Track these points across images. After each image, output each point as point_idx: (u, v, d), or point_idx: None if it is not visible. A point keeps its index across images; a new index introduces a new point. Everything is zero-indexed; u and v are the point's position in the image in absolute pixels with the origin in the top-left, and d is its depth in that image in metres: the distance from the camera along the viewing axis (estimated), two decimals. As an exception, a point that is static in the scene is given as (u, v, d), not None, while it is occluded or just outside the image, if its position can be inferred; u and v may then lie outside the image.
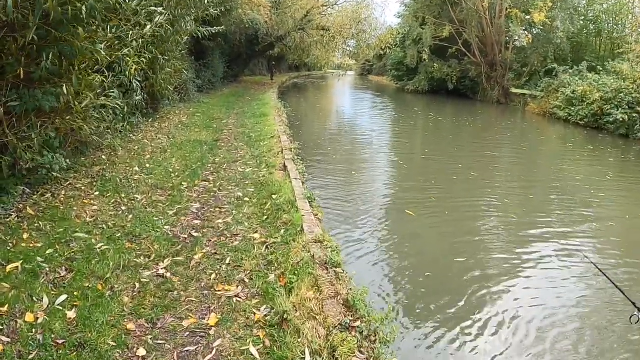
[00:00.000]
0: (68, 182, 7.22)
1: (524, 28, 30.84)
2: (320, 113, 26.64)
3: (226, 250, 5.26)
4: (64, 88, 6.03)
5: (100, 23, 6.13)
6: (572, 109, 23.20)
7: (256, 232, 5.72)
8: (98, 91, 7.54)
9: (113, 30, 7.27)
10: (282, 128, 12.97)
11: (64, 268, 4.69)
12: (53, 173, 6.72)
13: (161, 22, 9.54)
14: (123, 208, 6.50)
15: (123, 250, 5.13)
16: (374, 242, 7.35)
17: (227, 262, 4.98)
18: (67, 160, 7.09)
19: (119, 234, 5.58)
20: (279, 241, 5.35)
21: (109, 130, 9.78)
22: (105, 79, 7.54)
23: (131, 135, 11.12)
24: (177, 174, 8.33)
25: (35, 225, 5.60)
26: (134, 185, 7.52)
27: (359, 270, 5.98)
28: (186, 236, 5.70)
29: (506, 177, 12.28)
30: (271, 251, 5.15)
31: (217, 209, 6.66)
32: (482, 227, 8.43)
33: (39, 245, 5.10)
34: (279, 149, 10.20)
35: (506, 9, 30.77)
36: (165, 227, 5.92)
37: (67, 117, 6.83)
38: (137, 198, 6.94)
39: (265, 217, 6.20)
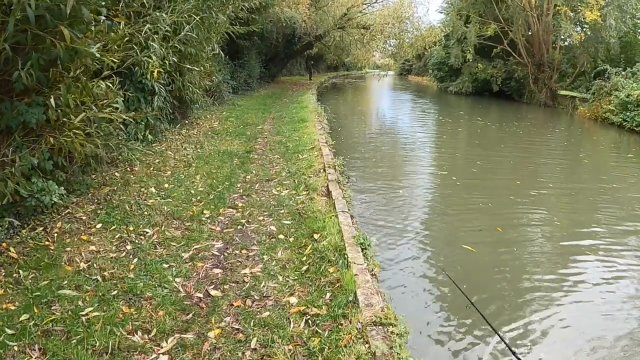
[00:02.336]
0: (67, 210, 5.96)
1: (574, 26, 29.00)
2: (362, 116, 25.09)
3: (252, 324, 3.85)
4: (52, 99, 4.75)
5: (90, 20, 4.77)
6: (628, 114, 21.31)
7: (292, 294, 4.29)
8: (104, 101, 6.28)
9: (120, 28, 6.04)
10: (323, 137, 11.53)
11: (37, 347, 3.44)
12: (44, 204, 5.45)
13: (187, 17, 8.31)
14: (128, 247, 5.20)
15: (115, 321, 3.79)
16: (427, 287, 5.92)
17: (253, 345, 3.58)
18: (62, 188, 5.82)
19: (115, 291, 4.27)
20: (323, 313, 3.91)
21: (126, 143, 8.57)
22: (111, 85, 6.23)
23: (154, 145, 9.88)
24: (199, 197, 7.00)
25: (14, 275, 4.39)
26: (146, 213, 6.21)
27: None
28: (201, 295, 4.33)
29: (582, 204, 10.23)
30: (313, 331, 3.71)
31: (244, 252, 5.27)
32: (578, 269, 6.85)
33: (13, 307, 3.89)
34: (320, 164, 8.79)
35: (555, 6, 28.78)
36: (176, 279, 4.57)
37: (64, 134, 5.56)
38: (147, 233, 5.63)
39: (305, 267, 4.77)
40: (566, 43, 32.26)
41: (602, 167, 14.27)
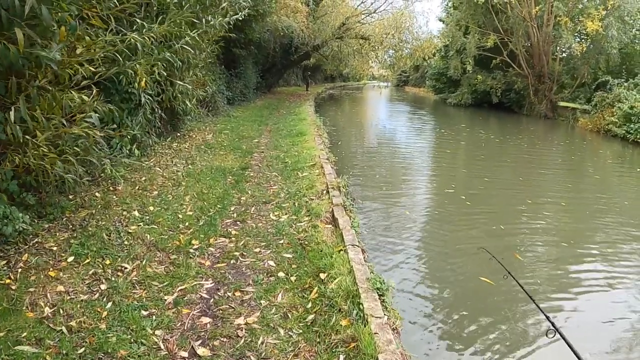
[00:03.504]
0: (36, 240, 5.18)
1: (575, 37, 28.63)
2: (361, 129, 24.27)
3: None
4: (12, 113, 3.98)
5: (49, 23, 4.00)
6: (631, 126, 20.88)
7: (297, 355, 3.50)
8: (81, 115, 5.51)
9: (100, 34, 5.30)
10: (324, 153, 10.77)
11: None
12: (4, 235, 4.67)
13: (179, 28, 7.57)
14: (102, 287, 4.42)
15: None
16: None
17: None
18: (28, 217, 5.04)
19: (83, 349, 3.50)
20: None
21: (110, 159, 7.79)
22: (86, 98, 5.46)
23: (142, 160, 9.10)
24: (187, 223, 6.19)
25: (-37, 326, 3.61)
26: (126, 243, 5.43)
27: None
28: (186, 355, 3.54)
29: (600, 226, 9.48)
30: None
31: (238, 294, 4.48)
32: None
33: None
34: (322, 184, 8.01)
35: (555, 17, 28.34)
36: (157, 332, 3.78)
37: (29, 152, 4.79)
38: (126, 268, 4.84)
39: (311, 317, 3.97)
40: (564, 54, 31.83)
41: (611, 181, 13.60)
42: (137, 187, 7.52)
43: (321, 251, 5.21)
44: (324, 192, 7.58)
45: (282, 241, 5.73)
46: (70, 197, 6.57)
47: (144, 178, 8.03)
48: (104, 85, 8.28)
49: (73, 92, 5.18)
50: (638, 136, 20.18)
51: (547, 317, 2.86)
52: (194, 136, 12.57)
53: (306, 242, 5.59)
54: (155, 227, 5.98)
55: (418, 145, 19.12)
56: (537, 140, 21.81)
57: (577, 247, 7.92)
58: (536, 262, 7.19)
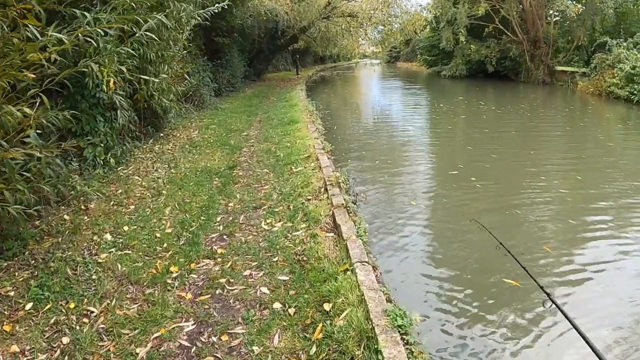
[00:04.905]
0: (-10, 281, 4.35)
1: (568, -1, 27.87)
2: (356, 110, 23.13)
3: None
4: None
5: None
6: (635, 86, 20.14)
7: None
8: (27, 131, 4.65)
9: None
10: (318, 142, 9.87)
11: None
12: None
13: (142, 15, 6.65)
14: (64, 342, 3.62)
15: None
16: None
17: None
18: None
19: None
20: None
21: (77, 175, 6.94)
22: (28, 110, 4.58)
23: (119, 169, 8.24)
24: (166, 244, 5.33)
25: None
26: (94, 277, 4.58)
27: None
28: None
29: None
30: None
31: (225, 339, 3.64)
32: None
33: None
34: (319, 180, 7.14)
35: (548, -22, 27.48)
36: (122, 405, 2.96)
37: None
38: (92, 312, 4.00)
39: (318, 368, 3.15)
40: (558, 17, 30.84)
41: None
42: (111, 203, 6.66)
43: (323, 270, 4.35)
44: (322, 189, 6.71)
45: (276, 258, 4.87)
46: (37, 222, 5.72)
47: (120, 190, 7.16)
48: (67, 92, 7.43)
49: (9, 107, 4.28)
50: (643, 97, 19.45)
51: (542, 288, 2.77)
52: (178, 135, 11.68)
53: (305, 258, 4.73)
54: (129, 252, 5.13)
55: (418, 124, 18.15)
56: (540, 108, 20.86)
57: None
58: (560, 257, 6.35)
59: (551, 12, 30.72)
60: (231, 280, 4.48)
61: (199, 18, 10.20)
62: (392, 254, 6.17)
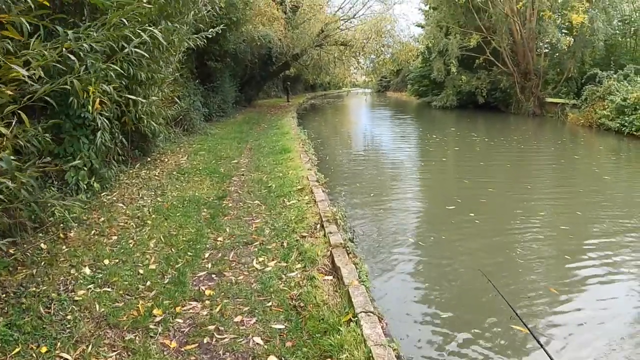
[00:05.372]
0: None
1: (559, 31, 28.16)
2: (348, 140, 22.84)
3: None
4: None
5: None
6: (626, 118, 20.16)
7: None
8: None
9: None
10: (312, 174, 9.50)
11: None
12: None
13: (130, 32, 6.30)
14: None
15: None
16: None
17: None
18: None
19: None
20: None
21: (60, 198, 6.51)
22: (3, 130, 4.21)
23: (103, 195, 7.81)
24: (149, 282, 4.89)
25: None
26: (69, 318, 4.16)
27: None
28: None
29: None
30: None
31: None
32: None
33: None
34: (314, 215, 6.74)
35: (538, 12, 27.79)
36: None
37: None
38: (65, 361, 3.58)
39: None
40: (547, 50, 31.04)
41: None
42: (92, 232, 6.22)
43: (323, 319, 3.94)
44: (318, 225, 6.32)
45: (269, 303, 4.44)
46: (12, 250, 5.28)
47: (102, 219, 6.73)
48: (51, 111, 7.06)
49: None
50: (633, 129, 19.45)
51: (531, 331, 2.86)
52: (167, 160, 11.28)
53: (302, 305, 4.31)
54: (109, 290, 4.69)
55: (411, 155, 17.89)
56: (533, 140, 20.80)
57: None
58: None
59: (541, 44, 30.92)
60: (220, 328, 4.05)
61: (191, 44, 9.90)
62: (394, 297, 5.77)
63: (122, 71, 6.87)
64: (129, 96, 7.48)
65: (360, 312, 3.83)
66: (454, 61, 32.30)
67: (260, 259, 5.48)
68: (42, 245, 5.59)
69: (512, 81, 31.43)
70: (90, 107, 6.80)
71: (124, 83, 7.84)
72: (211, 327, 4.05)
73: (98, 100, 6.78)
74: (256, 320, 4.16)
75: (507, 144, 19.21)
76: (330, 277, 4.78)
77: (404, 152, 18.30)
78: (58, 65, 4.94)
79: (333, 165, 14.31)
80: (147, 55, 7.42)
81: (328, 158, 15.35)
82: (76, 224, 6.33)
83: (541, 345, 2.44)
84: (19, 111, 4.63)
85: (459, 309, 5.57)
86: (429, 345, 4.79)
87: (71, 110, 7.15)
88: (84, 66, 5.47)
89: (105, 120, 7.49)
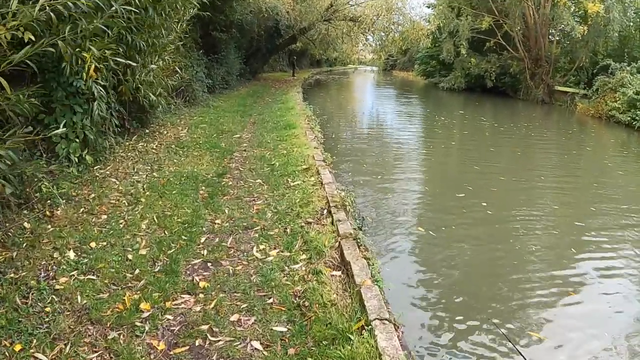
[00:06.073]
0: None
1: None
2: (354, 117, 22.25)
3: None
4: None
5: None
6: (637, 112, 19.63)
7: None
8: None
9: None
10: (318, 152, 9.01)
11: None
12: None
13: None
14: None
15: None
16: None
17: None
18: None
19: None
20: None
21: (46, 171, 6.05)
22: None
23: (96, 168, 7.33)
24: (138, 270, 4.41)
25: None
26: (48, 310, 3.74)
27: None
28: None
29: None
30: None
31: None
32: None
33: None
34: (320, 199, 6.26)
35: (553, -2, 26.88)
36: None
37: None
38: (39, 361, 3.14)
39: None
40: (559, 37, 30.23)
41: None
42: (81, 210, 5.75)
43: (330, 324, 3.47)
44: (325, 211, 5.83)
45: (270, 300, 3.97)
46: (-5, 231, 4.83)
47: (93, 195, 6.25)
48: (41, 78, 6.55)
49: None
50: (645, 123, 18.97)
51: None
52: (166, 133, 10.77)
53: (306, 304, 3.84)
54: (94, 278, 4.23)
55: (420, 137, 17.32)
56: (543, 128, 20.29)
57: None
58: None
59: (553, 31, 30.15)
60: (215, 329, 3.59)
61: (197, 5, 9.33)
62: (407, 299, 5.32)
63: (108, 31, 6.31)
64: (121, 60, 6.90)
65: (375, 319, 3.36)
66: (464, 43, 31.45)
67: (261, 247, 5.00)
68: (26, 224, 5.12)
69: (523, 67, 30.64)
70: (84, 74, 6.32)
71: (121, 50, 7.31)
72: (204, 327, 3.60)
73: (93, 67, 6.29)
74: (255, 320, 3.70)
75: (516, 131, 18.67)
76: (339, 273, 4.31)
77: (412, 135, 17.72)
78: (38, 25, 4.42)
79: (339, 143, 13.80)
80: (137, 12, 6.85)
81: (334, 136, 14.81)
82: (64, 201, 5.86)
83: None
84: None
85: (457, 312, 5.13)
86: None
87: (62, 78, 6.63)
88: (69, 26, 4.94)
89: (101, 89, 6.97)
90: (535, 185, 10.39)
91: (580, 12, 27.54)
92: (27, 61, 4.67)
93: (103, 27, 5.72)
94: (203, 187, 7.08)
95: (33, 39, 4.80)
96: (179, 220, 5.68)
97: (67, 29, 4.96)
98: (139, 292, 4.05)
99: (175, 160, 8.50)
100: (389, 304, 3.86)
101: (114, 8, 5.61)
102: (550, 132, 19.17)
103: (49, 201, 5.72)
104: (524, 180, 10.79)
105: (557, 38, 30.45)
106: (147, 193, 6.56)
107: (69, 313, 3.72)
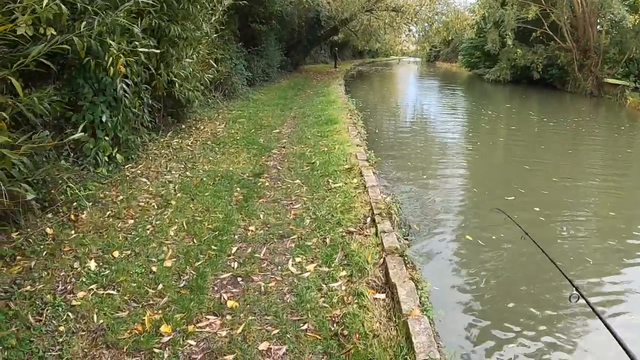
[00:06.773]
0: None
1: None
2: (398, 111, 21.43)
3: None
4: None
5: None
6: (697, 109, 18.28)
7: None
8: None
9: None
10: (361, 151, 8.51)
11: None
12: None
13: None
14: None
15: None
16: None
17: None
18: None
19: None
20: None
21: (73, 173, 5.78)
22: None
23: (127, 167, 7.03)
24: (162, 285, 4.03)
25: None
26: (62, 329, 3.43)
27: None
28: None
29: None
30: None
31: None
32: None
33: None
34: (363, 205, 5.78)
35: (603, -15, 25.61)
36: None
37: None
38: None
39: None
40: (606, 27, 28.80)
41: None
42: (107, 213, 5.43)
43: (374, 358, 3.02)
44: (368, 219, 5.35)
45: (305, 326, 3.52)
46: (14, 235, 4.55)
47: (121, 197, 5.93)
48: (68, 75, 6.25)
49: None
50: None
51: (571, 282, 2.70)
52: (202, 128, 10.46)
53: (345, 332, 3.38)
54: (114, 293, 3.88)
55: (466, 133, 16.39)
56: (594, 122, 19.14)
57: None
58: None
59: (602, 21, 28.78)
60: (241, 359, 3.17)
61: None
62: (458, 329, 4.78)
63: (129, 24, 5.93)
64: (146, 50, 6.52)
65: (423, 357, 2.87)
66: (510, 33, 30.29)
67: (297, 260, 4.54)
68: (48, 229, 4.82)
69: (570, 58, 29.20)
70: (111, 70, 5.99)
71: (153, 43, 6.96)
72: (229, 358, 3.18)
73: (120, 61, 5.96)
74: (287, 350, 3.26)
75: (566, 126, 17.67)
76: (383, 296, 3.82)
77: (459, 130, 16.90)
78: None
79: (382, 139, 13.26)
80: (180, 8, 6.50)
81: (377, 131, 14.27)
82: (90, 203, 5.56)
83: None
84: (9, 77, 3.79)
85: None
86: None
87: (89, 74, 6.31)
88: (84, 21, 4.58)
89: (126, 85, 6.62)
90: (590, 186, 9.62)
91: (630, 1, 26.11)
92: (41, 59, 4.33)
93: (123, 20, 5.31)
94: (238, 189, 6.68)
95: (54, 33, 4.49)
96: (209, 226, 5.28)
97: (82, 25, 4.59)
98: (160, 311, 3.66)
99: (210, 158, 8.15)
100: (439, 337, 3.36)
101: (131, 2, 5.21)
102: (600, 129, 18.10)
103: (74, 204, 5.42)
104: (579, 181, 10.01)
105: (606, 28, 28.96)
106: (178, 195, 6.21)
107: (84, 333, 3.37)
